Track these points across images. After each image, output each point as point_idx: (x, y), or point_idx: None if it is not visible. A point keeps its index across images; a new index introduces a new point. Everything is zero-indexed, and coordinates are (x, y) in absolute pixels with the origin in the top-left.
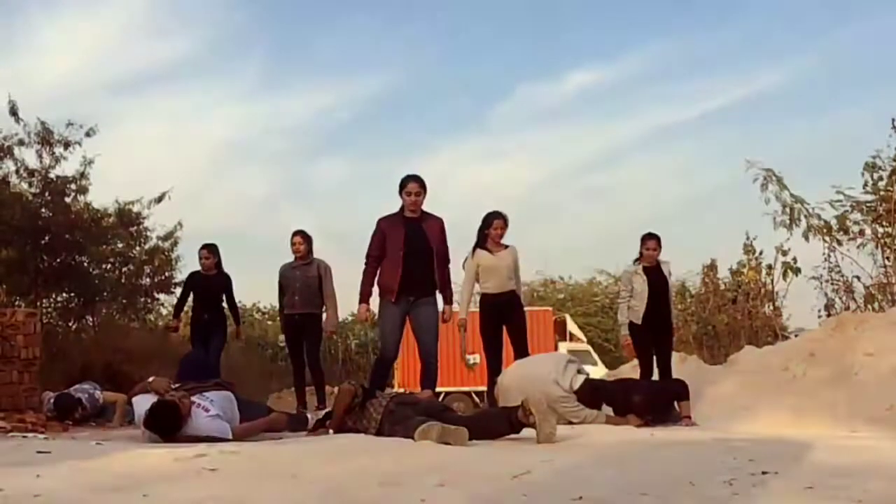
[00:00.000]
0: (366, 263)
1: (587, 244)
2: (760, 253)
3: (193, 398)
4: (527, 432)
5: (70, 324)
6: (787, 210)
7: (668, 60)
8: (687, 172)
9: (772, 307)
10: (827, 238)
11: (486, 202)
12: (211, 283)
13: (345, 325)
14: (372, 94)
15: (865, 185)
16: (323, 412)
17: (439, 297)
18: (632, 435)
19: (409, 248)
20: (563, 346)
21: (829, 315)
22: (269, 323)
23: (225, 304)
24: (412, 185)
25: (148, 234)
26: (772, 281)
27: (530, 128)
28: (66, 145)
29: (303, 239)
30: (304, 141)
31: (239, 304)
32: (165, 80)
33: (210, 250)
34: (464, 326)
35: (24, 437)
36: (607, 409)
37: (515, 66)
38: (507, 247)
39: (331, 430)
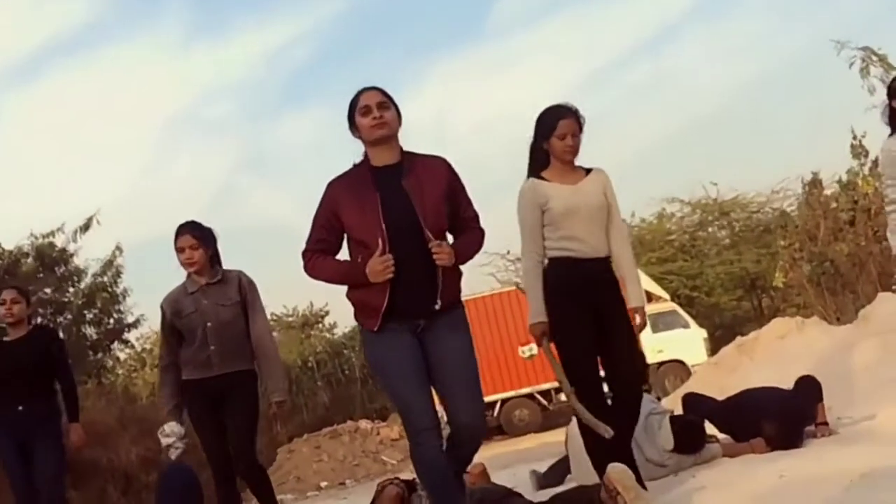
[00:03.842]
0: (308, 253)
1: (642, 164)
2: (876, 161)
3: None
4: None
5: None
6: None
7: None
8: (755, 50)
9: None
10: None
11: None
12: (22, 349)
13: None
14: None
15: None
16: None
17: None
18: (753, 485)
19: (391, 226)
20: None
21: None
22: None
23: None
24: (368, 96)
25: (80, 272)
26: None
27: (542, 22)
28: None
29: (196, 240)
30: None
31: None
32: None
33: (18, 292)
34: (543, 334)
35: None
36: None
37: None
38: (588, 171)
39: None
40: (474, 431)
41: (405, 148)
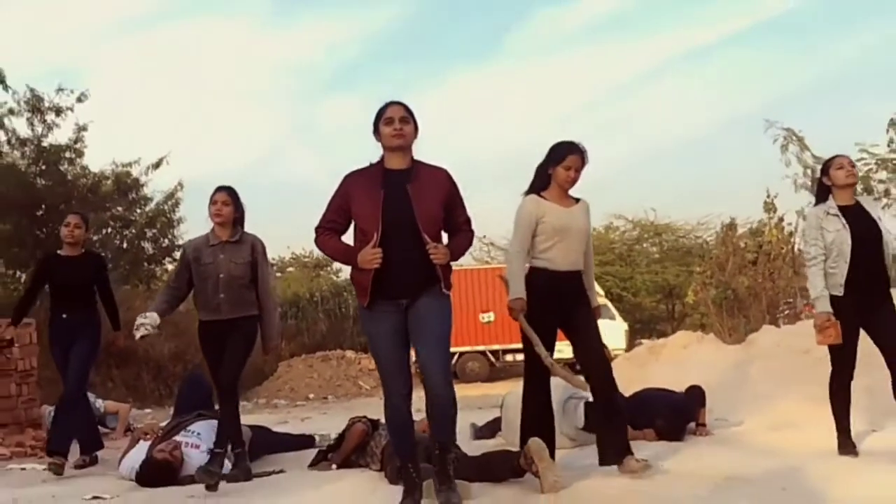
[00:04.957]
0: (319, 230)
1: (603, 184)
2: (782, 218)
3: (179, 437)
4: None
5: None
6: (809, 172)
7: None
8: (707, 104)
9: (793, 271)
10: None
11: (501, 137)
12: (74, 266)
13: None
14: (382, 26)
15: (890, 142)
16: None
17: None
18: (634, 485)
19: (388, 221)
20: None
21: None
22: (279, 275)
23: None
24: (393, 110)
25: (147, 199)
26: (792, 246)
27: (545, 54)
28: (58, 112)
29: (229, 198)
30: (313, 79)
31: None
32: (158, 20)
33: (81, 218)
34: (521, 309)
35: (23, 468)
36: None
37: None
38: (577, 200)
39: (334, 466)
40: (444, 401)
41: (416, 157)
